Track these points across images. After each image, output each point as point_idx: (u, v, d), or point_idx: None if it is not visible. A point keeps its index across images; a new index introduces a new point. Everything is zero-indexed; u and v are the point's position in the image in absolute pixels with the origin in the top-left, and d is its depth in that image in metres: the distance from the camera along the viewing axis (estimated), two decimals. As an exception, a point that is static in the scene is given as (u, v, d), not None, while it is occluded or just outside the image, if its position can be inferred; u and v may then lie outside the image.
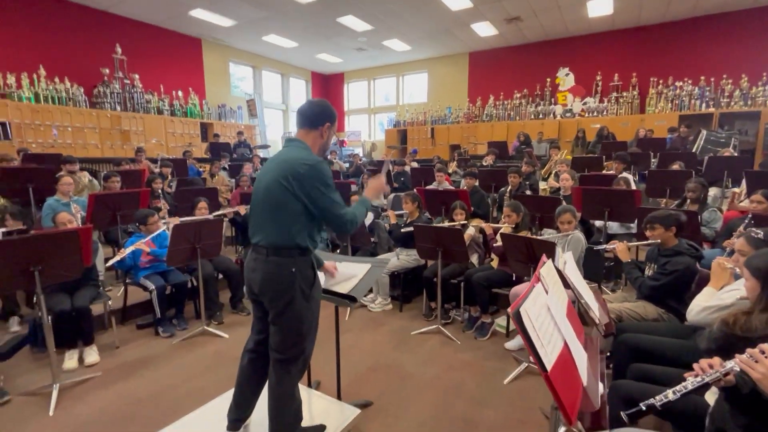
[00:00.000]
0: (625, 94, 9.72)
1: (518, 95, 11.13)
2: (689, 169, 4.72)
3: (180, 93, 10.01)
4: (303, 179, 1.59)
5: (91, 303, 2.96)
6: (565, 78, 10.54)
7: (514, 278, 3.22)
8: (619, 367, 2.15)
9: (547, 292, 1.29)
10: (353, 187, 5.57)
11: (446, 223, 3.70)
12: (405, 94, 13.83)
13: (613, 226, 4.18)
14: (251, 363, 1.84)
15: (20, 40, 7.52)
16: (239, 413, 1.88)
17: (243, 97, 12.09)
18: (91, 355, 2.89)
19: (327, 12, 8.75)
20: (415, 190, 4.58)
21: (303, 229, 1.64)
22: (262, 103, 12.33)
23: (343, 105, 14.91)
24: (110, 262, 3.21)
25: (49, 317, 2.62)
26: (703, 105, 8.71)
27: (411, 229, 3.53)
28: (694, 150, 6.38)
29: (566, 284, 1.73)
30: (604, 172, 5.61)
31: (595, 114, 9.94)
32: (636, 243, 2.76)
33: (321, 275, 2.09)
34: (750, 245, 1.86)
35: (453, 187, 5.62)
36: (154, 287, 3.25)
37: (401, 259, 3.92)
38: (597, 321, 1.83)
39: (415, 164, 8.14)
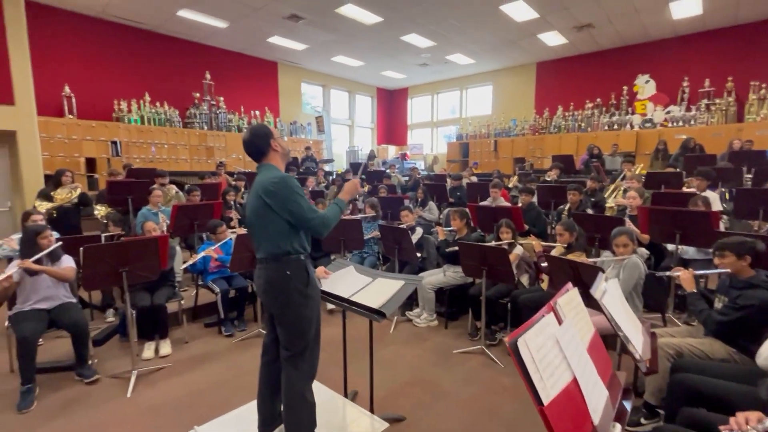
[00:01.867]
0: (718, 101, 8.66)
1: (590, 105, 10.45)
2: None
3: (257, 112, 11.00)
4: (275, 194, 1.82)
5: (167, 301, 3.39)
6: (645, 85, 9.69)
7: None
8: (671, 410, 1.96)
9: (560, 323, 1.26)
10: (406, 202, 5.65)
11: (493, 241, 3.63)
12: (468, 106, 13.70)
13: (689, 251, 3.76)
14: (266, 367, 2.06)
15: (130, 72, 8.86)
16: (261, 420, 2.06)
17: (313, 114, 12.89)
18: (165, 347, 3.30)
19: (391, 31, 9.07)
20: (467, 204, 4.55)
21: (289, 236, 1.86)
22: (329, 119, 13.02)
23: (406, 119, 15.18)
24: (184, 266, 3.65)
25: (133, 312, 3.07)
26: (821, 111, 7.46)
27: (456, 248, 3.52)
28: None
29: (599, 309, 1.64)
30: (684, 189, 5.07)
31: (680, 123, 8.98)
32: (704, 271, 2.48)
33: (359, 291, 2.21)
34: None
35: (509, 204, 5.46)
36: (219, 290, 3.62)
37: (447, 275, 3.91)
38: (637, 356, 1.71)
39: (474, 179, 8.02)
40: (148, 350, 3.26)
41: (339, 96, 14.02)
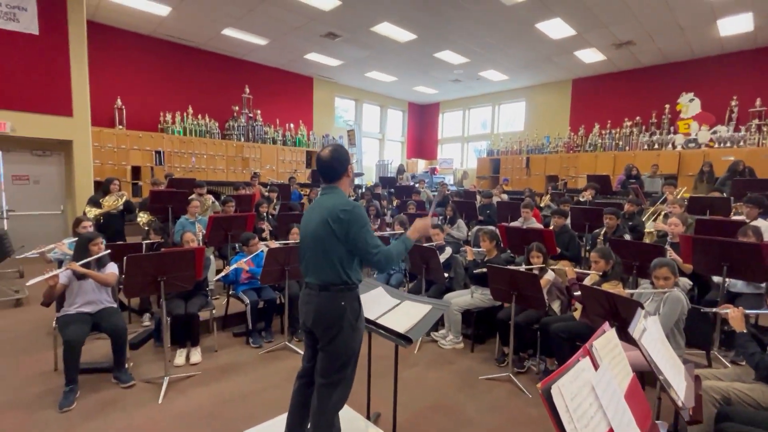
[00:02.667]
0: (771, 121, 8.18)
1: (629, 123, 10.10)
2: None
3: (291, 125, 11.34)
4: (343, 222, 1.79)
5: (200, 310, 3.51)
6: (689, 104, 9.28)
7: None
8: (716, 462, 1.82)
9: (596, 368, 1.22)
10: (435, 220, 5.62)
11: (523, 266, 3.54)
12: (500, 122, 13.56)
13: (737, 284, 3.52)
14: (301, 389, 2.04)
15: (176, 86, 9.38)
16: None
17: (345, 128, 13.14)
18: (196, 355, 3.41)
19: (425, 48, 9.18)
20: (495, 227, 4.47)
21: (348, 267, 1.84)
22: (360, 133, 13.23)
23: (437, 133, 15.20)
24: (217, 277, 3.77)
25: (168, 319, 3.20)
26: None
27: (485, 270, 3.46)
28: None
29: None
30: (732, 217, 4.77)
31: (728, 145, 8.51)
32: (756, 311, 2.31)
33: (385, 313, 2.21)
34: None
35: (541, 225, 5.32)
36: (248, 302, 3.72)
37: (475, 297, 3.84)
38: (679, 403, 1.61)
39: (505, 196, 7.89)
40: (180, 357, 3.38)
41: (371, 110, 14.25)
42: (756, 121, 8.35)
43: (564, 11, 7.11)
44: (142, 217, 5.46)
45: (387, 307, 2.30)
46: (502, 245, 4.34)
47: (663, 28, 7.66)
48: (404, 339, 2.00)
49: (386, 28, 8.04)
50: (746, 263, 3.13)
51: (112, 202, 5.17)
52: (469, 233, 6.22)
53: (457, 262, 4.35)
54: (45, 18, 6.23)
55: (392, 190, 8.93)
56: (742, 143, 8.38)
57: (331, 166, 1.91)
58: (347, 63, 10.42)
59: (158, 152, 8.57)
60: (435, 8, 7.10)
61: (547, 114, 11.96)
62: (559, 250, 4.41)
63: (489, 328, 3.96)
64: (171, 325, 3.32)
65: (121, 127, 8.37)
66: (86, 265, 2.95)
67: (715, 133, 8.80)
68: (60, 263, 3.91)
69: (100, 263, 3.12)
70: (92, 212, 4.99)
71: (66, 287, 2.99)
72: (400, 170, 10.87)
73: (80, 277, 2.95)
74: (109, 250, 3.17)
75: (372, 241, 1.83)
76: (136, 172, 8.34)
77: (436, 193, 9.17)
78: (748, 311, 2.30)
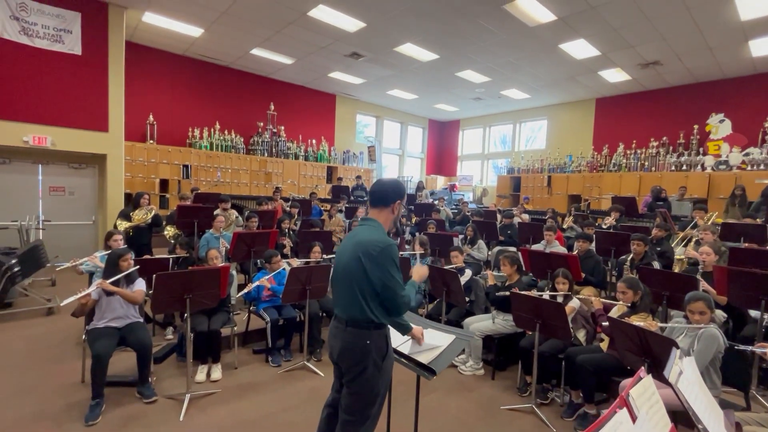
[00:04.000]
0: (808, 144, 7.85)
1: (655, 143, 9.87)
2: None
3: (314, 141, 11.56)
4: (375, 260, 1.77)
5: (222, 327, 3.56)
6: (719, 125, 9.02)
7: (628, 367, 2.81)
8: None
9: (634, 420, 1.17)
10: (455, 240, 5.58)
11: (547, 292, 3.46)
12: (522, 140, 13.47)
13: (777, 319, 3.35)
14: (328, 418, 2.03)
15: (204, 103, 9.73)
16: None
17: (365, 144, 13.30)
18: (216, 371, 3.44)
19: (446, 68, 9.27)
20: (517, 249, 4.40)
21: (378, 305, 1.81)
22: (381, 149, 13.36)
23: (456, 150, 15.21)
24: (239, 294, 3.83)
25: (191, 334, 3.25)
26: None
27: (506, 293, 3.40)
28: None
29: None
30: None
31: (761, 167, 8.20)
32: (798, 353, 2.19)
33: (407, 341, 2.19)
34: None
35: (564, 248, 5.21)
36: (269, 320, 3.75)
37: (497, 323, 3.77)
38: (719, 454, 1.53)
39: (526, 216, 7.79)
40: (201, 373, 3.42)
41: (391, 126, 14.40)
42: (792, 144, 8.04)
43: (588, 32, 7.08)
44: (169, 231, 5.62)
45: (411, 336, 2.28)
46: (524, 269, 4.27)
47: (691, 48, 7.52)
48: (428, 371, 1.98)
49: (409, 49, 8.18)
50: (786, 298, 2.99)
51: (141, 216, 5.34)
52: (490, 253, 6.15)
53: (477, 285, 4.29)
54: (87, 39, 6.61)
55: (411, 207, 8.94)
56: (777, 166, 8.06)
57: (385, 192, 1.91)
58: (370, 81, 10.61)
59: (185, 166, 8.86)
60: (458, 30, 7.19)
61: (569, 133, 11.82)
62: (583, 275, 4.30)
63: (510, 354, 3.87)
64: (193, 341, 3.37)
65: (151, 141, 8.70)
66: (115, 282, 3.05)
67: (747, 155, 8.50)
68: (91, 275, 4.05)
69: (129, 279, 3.22)
70: (123, 225, 5.17)
71: (96, 302, 3.09)
72: (419, 187, 10.91)
73: (109, 293, 3.04)
74: (137, 266, 3.27)
75: (400, 281, 1.81)
76: (164, 185, 8.63)
77: (456, 210, 9.13)
78: (790, 353, 2.18)
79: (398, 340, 2.20)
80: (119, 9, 6.86)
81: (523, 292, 3.26)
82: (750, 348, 2.41)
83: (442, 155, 15.74)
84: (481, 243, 5.81)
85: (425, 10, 6.53)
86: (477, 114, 13.97)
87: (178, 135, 9.24)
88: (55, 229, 6.87)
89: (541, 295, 3.34)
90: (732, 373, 2.65)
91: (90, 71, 6.70)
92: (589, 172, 10.74)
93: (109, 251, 3.77)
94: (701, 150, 9.26)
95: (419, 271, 2.17)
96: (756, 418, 2.24)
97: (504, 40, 7.58)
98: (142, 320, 3.29)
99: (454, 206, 10.39)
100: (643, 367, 1.48)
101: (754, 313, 3.38)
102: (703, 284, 3.57)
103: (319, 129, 11.92)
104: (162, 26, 7.64)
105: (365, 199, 9.27)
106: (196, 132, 9.38)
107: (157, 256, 4.48)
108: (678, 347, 2.01)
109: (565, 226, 6.83)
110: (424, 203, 9.07)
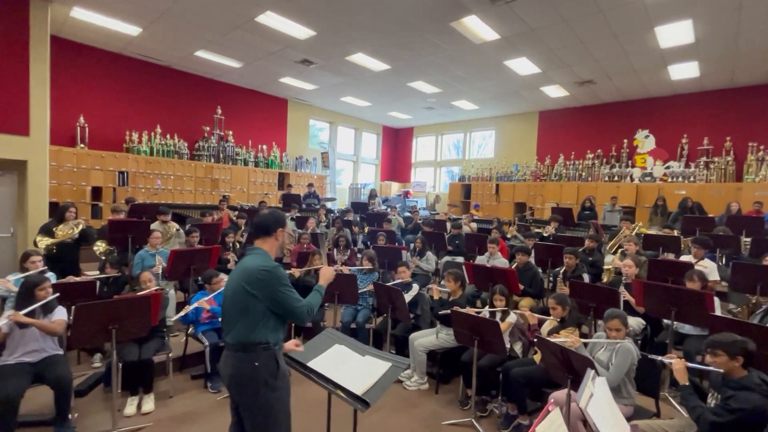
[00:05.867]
0: (717, 159, 8.81)
1: (591, 155, 10.63)
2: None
3: (264, 146, 11.24)
4: (263, 282, 1.86)
5: (155, 354, 3.35)
6: (645, 140, 9.89)
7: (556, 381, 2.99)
8: None
9: (538, 455, 1.25)
10: (404, 254, 5.66)
11: (487, 309, 3.61)
12: (474, 148, 13.96)
13: (686, 326, 3.72)
14: None
15: (144, 105, 9.15)
16: None
17: (319, 149, 13.14)
18: (148, 403, 3.24)
19: (398, 78, 9.40)
20: (465, 259, 4.54)
21: (265, 327, 1.88)
22: (334, 155, 13.28)
23: (410, 157, 15.46)
24: (175, 317, 3.64)
25: (120, 364, 3.04)
26: (819, 177, 7.54)
27: (449, 312, 3.50)
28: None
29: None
30: (683, 258, 5.05)
31: (679, 179, 9.09)
32: (697, 366, 2.43)
33: (333, 365, 2.18)
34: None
35: (506, 259, 5.45)
36: (208, 343, 3.58)
37: (440, 337, 3.86)
38: (623, 472, 1.67)
39: (474, 225, 8.06)
40: (131, 405, 3.20)
41: (345, 132, 14.35)
42: (704, 159, 8.98)
43: (530, 52, 7.48)
44: (100, 246, 5.22)
45: (345, 361, 2.28)
46: (468, 282, 4.42)
47: (620, 70, 8.19)
48: (361, 402, 1.98)
49: (361, 58, 8.20)
50: (692, 309, 3.33)
51: (66, 231, 4.90)
52: (439, 262, 6.30)
53: (423, 300, 4.38)
54: (4, 34, 5.98)
55: (364, 216, 8.96)
56: (692, 178, 8.96)
57: (266, 222, 2.03)
58: (322, 87, 10.51)
59: (122, 173, 8.28)
60: (408, 43, 7.32)
61: (515, 143, 12.42)
62: (522, 287, 4.53)
63: (455, 366, 3.97)
64: (123, 371, 3.16)
65: (82, 146, 8.04)
66: (31, 313, 2.78)
67: (668, 168, 9.39)
68: (3, 301, 3.67)
69: (47, 307, 2.95)
70: (43, 242, 4.72)
71: (7, 335, 2.80)
72: (372, 195, 10.94)
73: (22, 325, 2.77)
74: (56, 294, 3.00)
75: (293, 295, 1.92)
76: (97, 193, 8.00)
77: (409, 216, 9.23)
78: (689, 365, 2.42)
79: (333, 370, 2.18)
80: (42, 2, 6.28)
81: (462, 310, 3.37)
82: (659, 358, 2.65)
83: (396, 162, 15.92)
84: (429, 255, 5.93)
85: (375, 23, 6.58)
86: (430, 122, 14.29)
87: (114, 139, 8.62)
88: (-36, 243, 6.14)
89: (480, 312, 3.47)
90: (645, 381, 2.91)
91: (7, 69, 6.06)
92: (534, 181, 11.34)
93: (26, 274, 3.45)
94: (630, 162, 10.09)
95: (325, 274, 2.26)
96: (662, 425, 2.47)
97: (452, 55, 7.82)
98: (61, 352, 3.02)
99: (408, 211, 10.52)
100: (552, 401, 1.58)
101: (667, 321, 3.72)
102: (625, 295, 3.89)
103: (270, 134, 11.62)
104: (94, 23, 7.09)
105: (318, 207, 9.16)
106: (135, 136, 8.79)
107: (83, 278, 4.14)
108: (593, 367, 2.17)
109: (509, 236, 7.15)
110: (376, 212, 9.12)
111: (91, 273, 4.73)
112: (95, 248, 5.26)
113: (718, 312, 3.37)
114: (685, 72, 8.09)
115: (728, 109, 8.94)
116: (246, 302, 1.87)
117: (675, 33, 6.40)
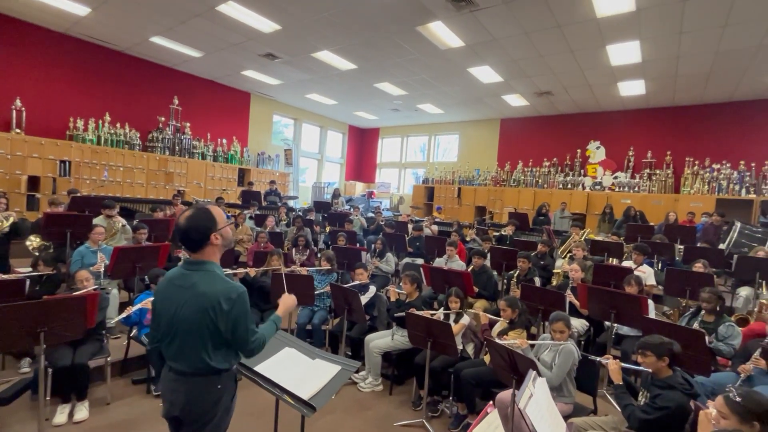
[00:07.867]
0: (658, 171, 9.49)
1: (547, 163, 11.12)
2: (711, 272, 4.47)
3: (224, 140, 10.84)
4: (228, 313, 1.62)
5: (92, 358, 3.13)
6: (596, 151, 10.47)
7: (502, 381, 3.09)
8: None
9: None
10: (363, 255, 5.65)
11: (442, 311, 3.67)
12: (439, 151, 14.19)
13: (624, 327, 3.96)
14: None
15: (91, 90, 8.56)
16: None
17: (282, 146, 12.85)
18: (81, 411, 3.01)
19: (365, 78, 9.38)
20: (425, 261, 4.59)
21: (228, 353, 1.70)
22: (298, 153, 13.04)
23: (376, 157, 15.48)
24: (117, 319, 3.41)
25: (50, 370, 2.81)
26: (743, 191, 8.31)
27: (403, 314, 3.53)
28: (725, 245, 6.03)
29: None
30: (624, 263, 5.39)
31: (626, 189, 9.71)
32: (630, 366, 2.60)
33: (284, 371, 2.13)
34: (729, 408, 1.74)
35: (464, 262, 5.58)
36: (151, 346, 3.39)
37: (396, 339, 3.88)
38: (557, 469, 1.74)
39: (435, 228, 8.18)
40: (61, 414, 2.97)
41: (310, 129, 14.14)
42: (647, 171, 9.64)
43: (492, 60, 7.71)
44: (33, 241, 4.82)
45: (294, 364, 2.24)
46: (424, 285, 4.47)
47: (575, 83, 8.62)
48: (308, 407, 1.95)
49: (327, 56, 8.11)
50: (628, 312, 3.55)
51: (-6, 224, 4.49)
52: (399, 263, 6.34)
53: (381, 301, 4.39)
54: (-74, 4, 5.39)
55: (326, 215, 8.87)
56: (636, 189, 9.60)
57: (188, 237, 1.66)
58: (287, 83, 10.30)
59: (64, 162, 7.69)
60: (375, 43, 7.32)
61: (478, 148, 12.76)
62: (477, 289, 4.65)
63: (409, 367, 4.01)
64: (54, 377, 2.92)
65: (18, 131, 7.40)
66: (-57, 314, 2.51)
67: (616, 178, 10.00)
68: None
69: (-35, 308, 2.67)
70: (-33, 235, 4.29)
71: None
72: (335, 195, 10.85)
73: (-67, 327, 2.49)
74: (-23, 293, 2.73)
75: (251, 327, 1.70)
76: (34, 183, 7.38)
77: (372, 216, 9.24)
78: (624, 365, 2.58)
79: (282, 375, 2.13)
80: (-25, -28, 5.72)
81: (417, 313, 3.40)
82: (597, 359, 2.81)
83: (361, 162, 15.89)
84: (389, 256, 5.96)
85: (342, 21, 6.53)
86: (396, 124, 14.38)
87: (56, 125, 8.00)
88: None
89: (435, 314, 3.52)
90: (584, 379, 3.07)
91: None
92: (494, 185, 11.69)
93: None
94: (582, 171, 10.65)
95: (286, 303, 2.03)
96: (598, 421, 2.61)
97: (418, 59, 7.91)
98: (-20, 357, 2.76)
99: (371, 211, 10.52)
100: (491, 404, 1.63)
101: (607, 323, 3.95)
102: (570, 298, 4.10)
103: (230, 128, 11.23)
104: (36, -1, 6.55)
105: (279, 205, 8.96)
106: (80, 123, 8.20)
107: (12, 275, 3.79)
108: (536, 368, 2.25)
109: (468, 239, 7.32)
110: (338, 212, 9.05)
111: (22, 270, 4.35)
112: (28, 243, 4.84)
113: (651, 314, 3.61)
114: (633, 89, 8.64)
115: (669, 126, 9.65)
116: (206, 330, 1.63)
117: (624, 52, 6.82)
